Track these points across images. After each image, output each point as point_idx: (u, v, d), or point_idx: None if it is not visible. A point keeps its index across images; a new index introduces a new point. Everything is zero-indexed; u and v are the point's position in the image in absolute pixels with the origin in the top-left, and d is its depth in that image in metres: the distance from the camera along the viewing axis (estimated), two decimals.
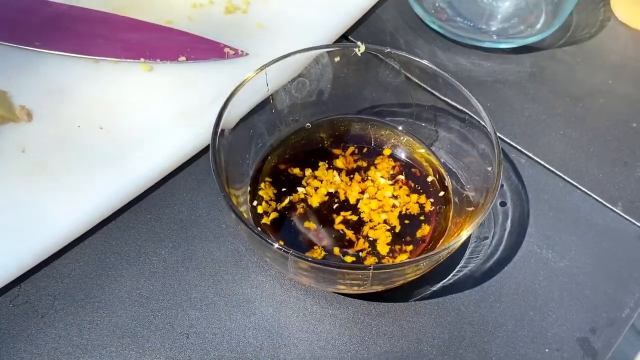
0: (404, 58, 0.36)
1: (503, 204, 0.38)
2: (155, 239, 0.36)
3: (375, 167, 0.37)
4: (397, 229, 0.34)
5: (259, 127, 0.37)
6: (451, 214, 0.35)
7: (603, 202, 0.39)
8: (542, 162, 0.41)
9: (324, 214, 0.35)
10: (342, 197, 0.35)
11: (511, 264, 0.36)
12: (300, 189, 0.35)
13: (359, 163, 0.37)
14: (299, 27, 0.46)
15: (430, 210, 0.35)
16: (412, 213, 0.35)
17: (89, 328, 0.32)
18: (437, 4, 0.49)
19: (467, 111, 0.35)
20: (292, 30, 0.45)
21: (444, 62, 0.47)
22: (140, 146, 0.38)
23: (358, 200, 0.35)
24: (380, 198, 0.35)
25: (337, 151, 0.38)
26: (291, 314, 0.33)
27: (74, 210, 0.35)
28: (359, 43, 0.36)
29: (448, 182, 0.36)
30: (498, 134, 0.35)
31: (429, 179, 0.37)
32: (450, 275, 0.35)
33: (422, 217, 0.35)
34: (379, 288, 0.32)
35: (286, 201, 0.35)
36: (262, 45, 0.44)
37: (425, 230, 0.34)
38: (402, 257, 0.33)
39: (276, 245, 0.28)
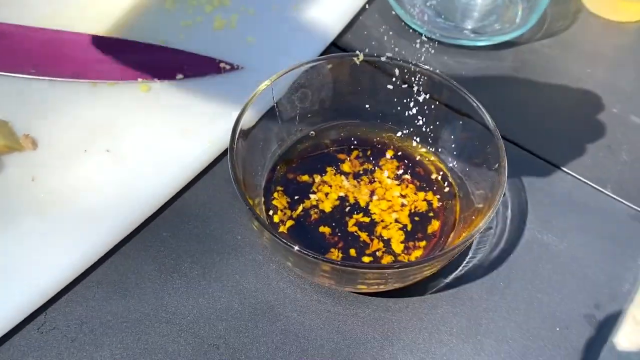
0: (401, 64, 0.38)
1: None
2: (173, 255, 0.36)
3: (381, 169, 0.38)
4: (409, 227, 0.36)
5: (267, 138, 0.38)
6: (458, 208, 0.37)
7: (593, 185, 0.42)
8: (533, 152, 0.43)
9: (337, 217, 0.36)
10: (352, 200, 0.37)
11: (516, 251, 0.38)
12: (312, 196, 0.37)
13: (365, 166, 0.39)
14: (288, 38, 0.47)
15: (438, 206, 0.37)
16: (421, 210, 0.37)
17: (120, 348, 0.33)
18: (417, 6, 0.51)
19: (465, 110, 0.37)
20: (282, 42, 0.47)
21: (431, 62, 0.49)
22: (149, 166, 0.39)
23: (368, 202, 0.37)
24: (389, 198, 0.37)
25: (342, 156, 0.39)
26: (314, 317, 0.35)
27: (90, 234, 0.36)
28: (357, 52, 0.38)
29: (451, 178, 0.38)
30: None
31: (433, 176, 0.38)
32: (461, 267, 0.37)
33: (430, 214, 0.36)
34: (398, 285, 0.33)
35: (300, 209, 0.36)
36: (255, 58, 0.45)
37: (435, 225, 0.36)
38: (417, 253, 0.35)
39: (306, 251, 0.29)
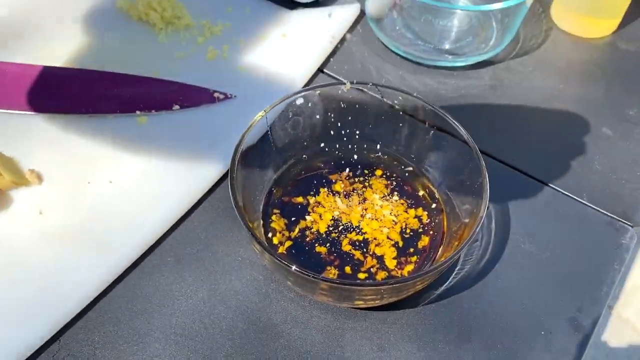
0: (385, 90, 0.40)
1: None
2: (179, 279, 0.38)
3: (371, 188, 0.41)
4: (400, 244, 0.38)
5: (263, 164, 0.40)
6: (445, 223, 0.39)
7: (570, 195, 0.44)
8: (513, 165, 0.46)
9: (332, 237, 0.38)
10: (345, 220, 0.39)
11: (501, 261, 0.40)
12: (307, 217, 0.39)
13: (355, 185, 0.41)
14: (278, 66, 0.49)
15: (426, 222, 0.39)
16: (410, 227, 0.39)
17: None
18: (398, 30, 0.54)
19: (448, 131, 0.39)
20: (273, 70, 0.49)
21: (413, 83, 0.51)
22: (151, 194, 0.41)
23: (360, 221, 0.39)
24: (380, 217, 0.39)
25: (333, 177, 0.42)
26: (315, 332, 0.37)
27: (98, 264, 0.37)
28: (345, 81, 0.40)
29: (438, 194, 0.40)
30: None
31: (420, 193, 0.41)
32: (451, 278, 0.39)
33: (420, 230, 0.39)
34: (393, 299, 0.35)
35: (297, 230, 0.38)
36: (247, 86, 0.47)
37: (425, 241, 0.38)
38: (409, 268, 0.37)
39: (304, 271, 0.31)
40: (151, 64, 0.48)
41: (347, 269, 0.37)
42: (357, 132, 0.43)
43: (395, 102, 0.41)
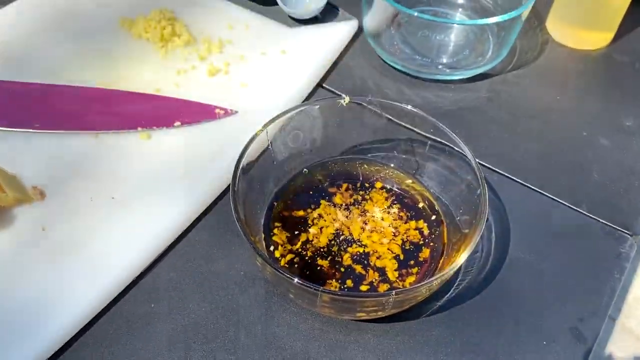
0: (384, 103, 0.41)
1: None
2: (181, 295, 0.39)
3: (371, 200, 0.41)
4: (401, 257, 0.38)
5: (264, 178, 0.40)
6: (445, 234, 0.39)
7: (569, 205, 0.45)
8: (512, 177, 0.46)
9: (333, 250, 0.39)
10: (346, 233, 0.39)
11: (502, 272, 0.41)
12: (309, 230, 0.39)
13: (355, 197, 0.41)
14: (278, 81, 0.50)
15: (426, 234, 0.39)
16: (411, 239, 0.39)
17: None
18: (396, 45, 0.55)
19: (446, 143, 0.40)
20: (273, 85, 0.50)
21: (412, 97, 0.52)
22: (153, 210, 0.41)
23: (361, 234, 0.39)
24: (381, 229, 0.39)
25: (333, 189, 0.42)
26: (318, 345, 0.37)
27: (101, 280, 0.38)
28: (343, 95, 0.41)
29: (437, 206, 0.41)
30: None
31: (420, 205, 0.41)
32: (452, 290, 0.39)
33: (420, 242, 0.39)
34: (395, 311, 0.35)
35: (299, 244, 0.39)
36: (248, 102, 0.48)
37: (425, 253, 0.38)
38: (410, 279, 0.37)
39: (306, 284, 0.31)
40: (152, 81, 0.49)
41: (349, 282, 0.37)
42: (357, 145, 0.44)
43: (394, 115, 0.42)
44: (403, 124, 0.42)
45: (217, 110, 0.47)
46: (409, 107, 0.40)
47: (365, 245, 0.39)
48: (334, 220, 0.40)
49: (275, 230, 0.39)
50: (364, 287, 0.37)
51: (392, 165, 0.43)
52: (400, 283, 0.37)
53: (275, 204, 0.41)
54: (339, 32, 0.55)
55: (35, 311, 0.36)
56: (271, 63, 0.51)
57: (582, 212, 0.44)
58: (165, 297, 0.38)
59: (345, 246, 0.39)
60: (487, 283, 0.40)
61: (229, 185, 0.43)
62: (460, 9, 0.59)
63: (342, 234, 0.39)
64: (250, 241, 0.33)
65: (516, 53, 0.56)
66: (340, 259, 0.38)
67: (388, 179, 0.43)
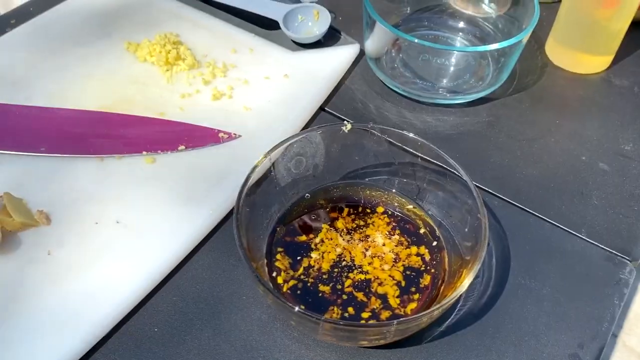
0: (385, 130, 0.42)
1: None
2: (184, 319, 0.39)
3: (373, 225, 0.42)
4: (403, 283, 0.38)
5: (267, 203, 0.41)
6: (446, 260, 0.40)
7: (569, 230, 0.45)
8: (512, 201, 0.47)
9: (335, 276, 0.39)
10: (348, 259, 0.40)
11: (502, 297, 0.41)
12: (312, 255, 0.40)
13: (357, 222, 0.42)
14: (281, 105, 0.51)
15: (428, 260, 0.40)
16: (412, 265, 0.40)
17: None
18: (397, 69, 0.55)
19: (447, 168, 0.40)
20: (276, 109, 0.50)
21: (412, 121, 0.53)
22: (157, 235, 0.42)
23: (363, 260, 0.40)
24: (382, 254, 0.40)
25: (335, 214, 0.42)
26: None
27: (105, 304, 0.38)
28: (345, 122, 0.41)
29: (438, 232, 0.41)
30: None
31: (421, 231, 0.42)
32: (453, 315, 0.40)
33: (422, 268, 0.39)
34: (398, 338, 0.36)
35: (301, 270, 0.39)
36: (252, 126, 0.49)
37: (426, 279, 0.39)
38: (412, 306, 0.37)
39: (308, 313, 0.32)
40: (157, 105, 0.50)
41: (350, 310, 0.37)
42: (358, 169, 0.44)
43: (395, 140, 0.42)
44: (404, 149, 0.42)
45: (221, 135, 0.47)
46: (411, 134, 0.41)
47: (366, 272, 0.39)
48: (335, 245, 0.40)
49: (278, 256, 0.39)
50: (365, 314, 0.37)
51: (393, 190, 0.44)
52: (402, 310, 0.37)
53: (278, 229, 0.41)
54: (341, 56, 0.56)
55: (40, 335, 0.36)
56: (274, 87, 0.52)
57: (581, 237, 0.45)
58: (169, 321, 0.39)
59: (346, 272, 0.39)
60: (488, 308, 0.40)
61: (231, 209, 0.44)
62: (460, 33, 0.60)
63: (344, 259, 0.40)
64: (253, 269, 0.34)
65: (516, 77, 0.57)
66: (341, 286, 0.38)
67: (389, 204, 0.43)
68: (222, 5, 0.59)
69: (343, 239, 0.41)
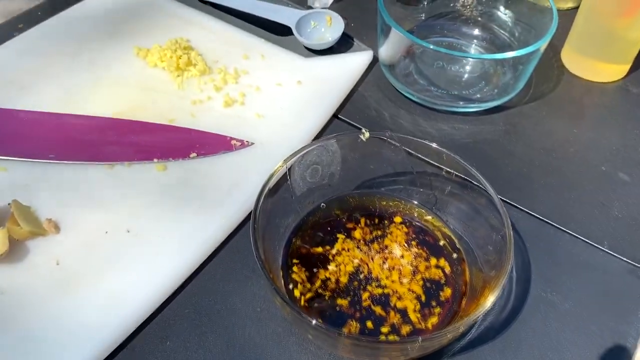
0: (404, 138, 0.41)
1: None
2: (197, 331, 0.38)
3: (391, 235, 0.40)
4: (423, 298, 0.37)
5: (282, 213, 0.40)
6: (467, 273, 0.39)
7: (591, 242, 0.44)
8: (531, 212, 0.45)
9: (353, 289, 0.38)
10: (365, 271, 0.39)
11: (524, 311, 0.40)
12: (328, 266, 0.38)
13: (375, 233, 0.41)
14: (293, 112, 0.50)
15: (447, 273, 0.39)
16: (432, 278, 0.38)
17: None
18: (411, 76, 0.54)
19: (467, 178, 0.39)
20: (288, 116, 0.49)
21: (427, 129, 0.52)
22: (168, 244, 0.40)
23: (381, 273, 0.38)
24: (400, 267, 0.39)
25: (351, 224, 0.41)
26: None
27: (115, 315, 0.37)
28: (363, 130, 0.40)
29: (458, 243, 0.40)
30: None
31: (441, 242, 0.40)
32: (474, 330, 0.38)
33: (442, 281, 0.38)
34: (420, 354, 0.35)
35: (318, 283, 0.38)
36: (264, 133, 0.48)
37: (447, 292, 0.38)
38: (433, 320, 0.36)
39: (332, 329, 0.31)
40: (168, 111, 0.49)
41: (369, 324, 0.36)
42: (375, 178, 0.43)
43: (413, 149, 0.41)
44: (422, 158, 0.41)
45: (233, 142, 0.46)
46: (434, 144, 0.40)
47: (384, 286, 0.38)
48: (352, 257, 0.39)
49: (295, 268, 0.38)
50: (385, 329, 0.36)
51: (410, 199, 0.43)
52: (423, 324, 0.36)
53: (294, 239, 0.40)
54: (354, 62, 0.55)
55: (49, 348, 0.35)
56: (287, 94, 0.51)
57: (603, 250, 0.43)
58: (181, 334, 0.38)
59: (364, 285, 0.38)
60: (509, 323, 0.39)
61: (245, 219, 0.43)
62: (475, 41, 0.59)
63: (362, 272, 0.39)
64: (271, 282, 0.32)
65: (532, 85, 0.56)
66: (359, 299, 0.37)
67: (407, 214, 0.42)
68: (234, 10, 0.58)
69: (360, 250, 0.40)
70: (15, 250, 0.39)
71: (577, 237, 0.44)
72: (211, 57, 0.54)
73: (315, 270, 0.38)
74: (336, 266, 0.39)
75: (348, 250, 0.39)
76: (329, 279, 0.38)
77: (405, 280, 0.38)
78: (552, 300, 0.40)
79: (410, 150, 0.42)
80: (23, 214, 0.40)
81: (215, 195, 0.43)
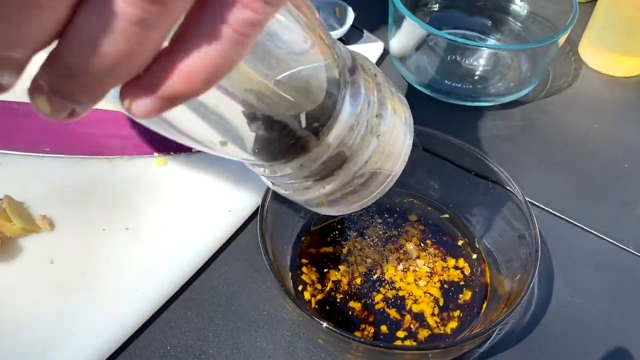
0: (418, 133, 0.38)
1: None
2: (200, 336, 0.35)
3: (406, 234, 0.38)
4: (441, 301, 0.35)
5: (289, 210, 0.37)
6: (488, 274, 0.36)
7: (615, 242, 0.41)
8: (552, 211, 0.43)
9: (365, 291, 0.35)
10: (378, 272, 0.36)
11: (547, 315, 0.37)
12: (340, 267, 0.36)
13: (391, 232, 0.38)
14: None
15: (467, 274, 0.36)
16: (450, 279, 0.36)
17: None
18: (423, 69, 0.52)
19: (488, 176, 0.37)
20: None
21: (441, 123, 0.49)
22: (169, 243, 0.38)
23: (395, 275, 0.36)
24: (416, 268, 0.36)
25: (363, 222, 0.39)
26: None
27: (113, 317, 0.35)
28: None
29: (478, 244, 0.38)
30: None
31: (459, 242, 0.38)
32: (494, 335, 0.36)
33: (461, 282, 0.36)
34: None
35: (330, 284, 0.35)
36: None
37: (467, 295, 0.35)
38: (452, 325, 0.34)
39: (347, 334, 0.28)
40: None
41: (384, 328, 0.34)
42: None
43: (429, 144, 0.39)
44: (440, 154, 0.39)
45: None
46: (451, 139, 0.37)
47: (399, 288, 0.35)
48: (365, 257, 0.37)
49: (304, 269, 0.36)
50: (401, 334, 0.33)
51: (426, 196, 0.40)
52: (442, 329, 0.34)
53: (303, 238, 0.38)
54: (364, 54, 0.52)
55: (41, 351, 0.33)
56: None
57: (629, 250, 0.41)
58: (183, 338, 0.35)
59: (378, 286, 0.36)
60: (532, 327, 0.37)
61: (250, 216, 0.41)
62: (489, 34, 0.56)
63: (375, 273, 0.36)
64: (281, 283, 0.30)
65: (549, 79, 0.54)
66: (372, 302, 0.35)
67: (424, 212, 0.40)
68: None
69: (373, 250, 0.37)
70: (7, 248, 0.37)
71: (600, 237, 0.42)
72: None
73: (325, 271, 0.36)
74: (348, 267, 0.36)
75: (360, 250, 0.37)
76: (340, 280, 0.36)
77: (421, 282, 0.36)
78: (576, 303, 0.38)
79: (427, 146, 0.39)
80: (16, 210, 0.38)
81: (218, 191, 0.41)
